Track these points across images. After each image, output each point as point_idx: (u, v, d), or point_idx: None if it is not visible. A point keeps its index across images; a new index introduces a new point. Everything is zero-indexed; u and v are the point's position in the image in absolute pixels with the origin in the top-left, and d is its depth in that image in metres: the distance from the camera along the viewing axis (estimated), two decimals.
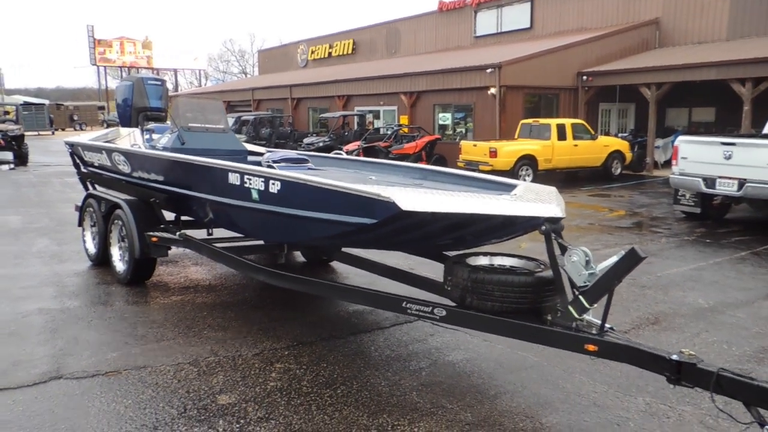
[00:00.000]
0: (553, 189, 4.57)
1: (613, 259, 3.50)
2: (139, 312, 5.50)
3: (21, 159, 21.12)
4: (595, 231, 10.24)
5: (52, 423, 3.52)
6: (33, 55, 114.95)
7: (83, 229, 7.21)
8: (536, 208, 3.74)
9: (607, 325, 3.78)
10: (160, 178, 5.86)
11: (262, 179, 4.53)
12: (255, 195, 4.65)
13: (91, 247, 7.03)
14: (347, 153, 19.72)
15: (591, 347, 3.52)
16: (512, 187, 4.71)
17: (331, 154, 7.66)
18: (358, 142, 19.96)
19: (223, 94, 39.39)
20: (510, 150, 16.33)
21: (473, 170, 17.04)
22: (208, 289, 6.31)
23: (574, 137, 17.16)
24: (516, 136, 17.74)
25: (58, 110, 46.73)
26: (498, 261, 4.35)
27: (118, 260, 6.36)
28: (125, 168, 6.49)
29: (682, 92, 20.11)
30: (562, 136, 16.93)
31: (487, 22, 27.30)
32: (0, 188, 14.74)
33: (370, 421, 3.67)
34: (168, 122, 6.47)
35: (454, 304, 4.05)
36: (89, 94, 79.00)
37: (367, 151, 19.24)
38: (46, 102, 48.31)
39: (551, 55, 20.03)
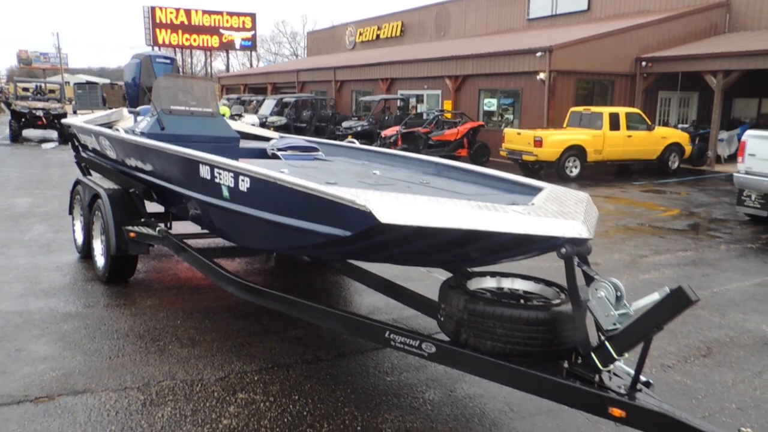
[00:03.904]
0: (584, 197, 3.68)
1: (654, 296, 2.62)
2: (105, 318, 4.89)
3: (64, 138, 21.22)
4: (644, 233, 9.16)
5: None
6: (100, 35, 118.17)
7: (73, 218, 6.69)
8: (554, 226, 2.87)
9: (643, 378, 2.91)
10: (138, 166, 5.23)
11: (232, 174, 3.81)
12: (225, 192, 3.94)
13: (79, 238, 6.51)
14: (385, 138, 19.00)
15: (617, 412, 2.66)
16: (536, 191, 3.85)
17: (343, 143, 6.90)
18: (397, 128, 19.11)
19: (269, 75, 39.11)
20: (556, 139, 15.17)
21: (516, 160, 15.99)
22: (193, 291, 5.66)
23: (628, 127, 15.83)
24: (565, 125, 16.53)
25: (112, 89, 47.61)
26: (508, 284, 3.50)
27: (99, 255, 5.80)
28: (111, 154, 5.91)
29: (753, 81, 18.39)
30: (614, 125, 15.63)
31: (541, 3, 25.80)
32: (29, 167, 14.63)
33: None
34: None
35: (447, 339, 3.25)
36: None
37: (406, 137, 18.41)
38: (100, 81, 49.28)
39: (607, 39, 18.61)
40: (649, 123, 16.40)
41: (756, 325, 5.35)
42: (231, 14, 52.44)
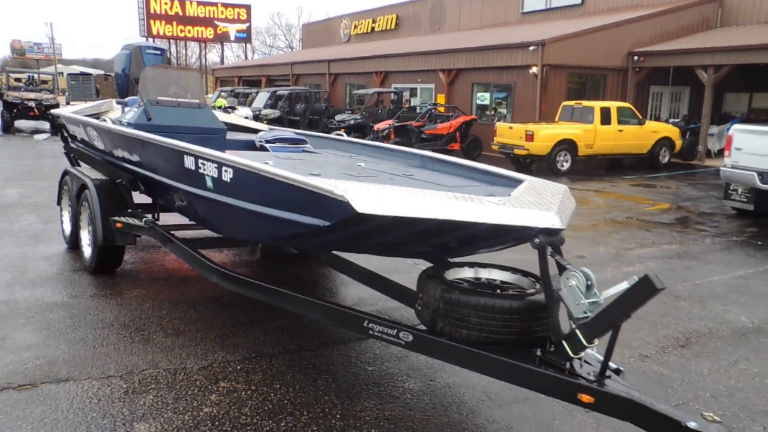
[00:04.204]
0: (561, 189, 3.73)
1: (623, 285, 2.68)
2: (91, 308, 4.93)
3: (56, 129, 21.16)
4: (631, 226, 9.24)
5: None
6: (94, 26, 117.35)
7: (61, 209, 6.71)
8: (527, 216, 2.93)
9: (613, 365, 2.98)
10: (125, 157, 5.26)
11: (216, 165, 3.85)
12: (209, 183, 3.98)
13: (67, 228, 6.54)
14: (378, 131, 19.01)
15: (585, 398, 2.72)
16: (517, 183, 3.91)
17: (331, 135, 6.93)
18: (390, 121, 19.12)
19: (264, 68, 39.00)
20: (548, 134, 15.23)
21: (508, 154, 16.04)
22: (180, 282, 5.71)
23: (620, 122, 15.91)
24: (556, 119, 16.59)
25: (105, 81, 47.34)
26: (486, 275, 3.56)
27: (87, 245, 5.83)
28: (99, 144, 5.93)
29: (744, 76, 18.47)
30: (606, 120, 15.71)
31: None
32: (21, 158, 14.60)
33: None
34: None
35: (424, 327, 3.30)
36: None
37: (399, 131, 18.43)
38: (94, 72, 48.97)
39: (600, 33, 18.65)
40: (640, 117, 16.48)
41: (735, 316, 5.43)
42: (226, 5, 52.14)
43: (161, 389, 3.68)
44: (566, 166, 15.38)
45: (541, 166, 15.62)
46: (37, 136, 20.03)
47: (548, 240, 2.94)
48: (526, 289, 3.32)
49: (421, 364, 4.19)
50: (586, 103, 16.33)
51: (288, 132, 6.90)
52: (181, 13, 50.52)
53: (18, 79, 25.89)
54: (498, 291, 3.31)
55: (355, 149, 6.16)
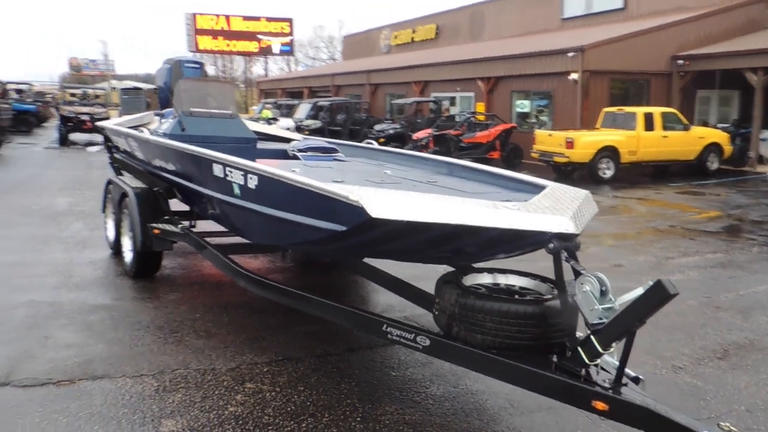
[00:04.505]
0: (582, 194, 3.71)
1: (638, 291, 2.66)
2: (130, 311, 5.14)
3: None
4: (674, 235, 9.01)
5: None
6: (146, 43, 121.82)
7: (105, 216, 7.02)
8: (541, 221, 2.93)
9: (632, 373, 2.95)
10: (161, 166, 5.49)
11: (242, 172, 3.99)
12: (236, 190, 4.12)
13: (111, 235, 6.83)
14: (417, 141, 19.06)
15: (600, 405, 2.70)
16: (540, 189, 3.91)
17: (362, 144, 7.05)
18: (429, 130, 19.16)
19: (306, 79, 39.65)
20: (589, 141, 14.99)
21: (548, 162, 15.82)
22: (215, 287, 5.88)
23: (664, 127, 15.53)
24: (598, 126, 16.31)
25: (155, 94, 49.06)
26: (504, 280, 3.56)
27: (128, 251, 6.08)
28: (139, 154, 6.19)
29: None
30: (649, 126, 15.36)
31: (575, 2, 25.41)
32: (73, 169, 15.27)
33: None
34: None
35: (441, 332, 3.34)
36: None
37: (438, 140, 18.43)
38: (144, 87, 50.71)
39: (642, 37, 18.28)
40: (686, 123, 16.04)
41: None
42: (269, 20, 53.27)
43: (190, 388, 3.81)
44: (609, 173, 15.08)
45: (582, 174, 15.37)
46: (90, 149, 20.89)
47: (563, 245, 2.94)
48: (543, 294, 3.31)
49: (446, 371, 4.20)
50: (628, 109, 16.01)
51: (320, 141, 7.04)
52: (226, 28, 51.87)
53: (73, 94, 27.11)
54: (516, 297, 3.32)
55: (385, 157, 6.25)
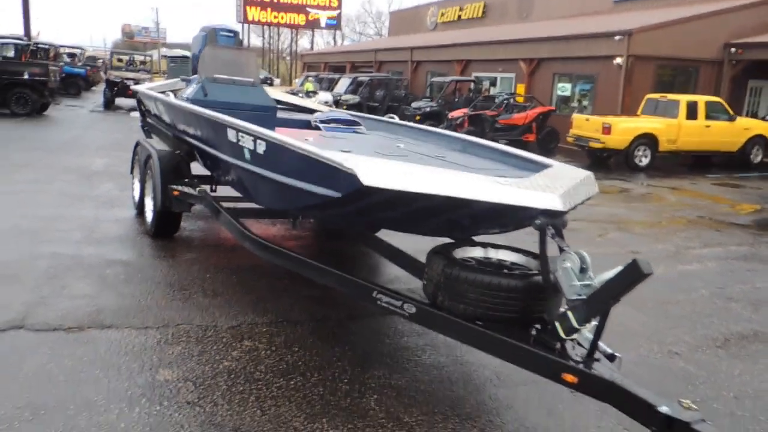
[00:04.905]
0: (583, 174, 3.71)
1: (619, 269, 2.68)
2: (145, 267, 5.37)
3: None
4: (700, 226, 8.81)
5: None
6: (195, 12, 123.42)
7: (133, 177, 7.28)
8: (528, 197, 2.95)
9: (608, 350, 2.99)
10: (184, 129, 5.66)
11: (252, 138, 4.11)
12: (247, 154, 4.25)
13: (136, 195, 7.09)
14: (452, 120, 18.92)
15: (569, 378, 2.75)
16: (543, 167, 3.92)
17: (385, 118, 7.11)
18: (465, 110, 19.00)
19: (349, 54, 39.61)
20: (626, 127, 14.65)
21: (583, 147, 15.54)
22: (229, 250, 6.07)
23: (708, 117, 15.04)
24: (639, 113, 15.89)
25: None
26: (494, 255, 3.61)
27: (149, 211, 6.32)
28: (165, 118, 6.38)
29: None
30: (692, 114, 14.90)
31: None
32: (114, 132, 15.75)
33: (304, 424, 3.17)
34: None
35: (427, 300, 3.41)
36: None
37: (474, 120, 18.27)
38: (189, 54, 51.49)
39: (694, 22, 17.63)
40: (731, 113, 15.48)
41: None
42: None
43: (190, 342, 4.00)
44: (645, 161, 14.74)
45: (618, 160, 15.06)
46: (133, 113, 21.41)
47: (549, 222, 2.96)
48: (531, 270, 3.35)
49: (439, 342, 4.28)
50: (671, 96, 15.54)
51: (343, 113, 7.12)
52: (275, 0, 52.07)
53: (120, 59, 27.79)
54: (505, 271, 3.36)
55: (405, 132, 6.31)
